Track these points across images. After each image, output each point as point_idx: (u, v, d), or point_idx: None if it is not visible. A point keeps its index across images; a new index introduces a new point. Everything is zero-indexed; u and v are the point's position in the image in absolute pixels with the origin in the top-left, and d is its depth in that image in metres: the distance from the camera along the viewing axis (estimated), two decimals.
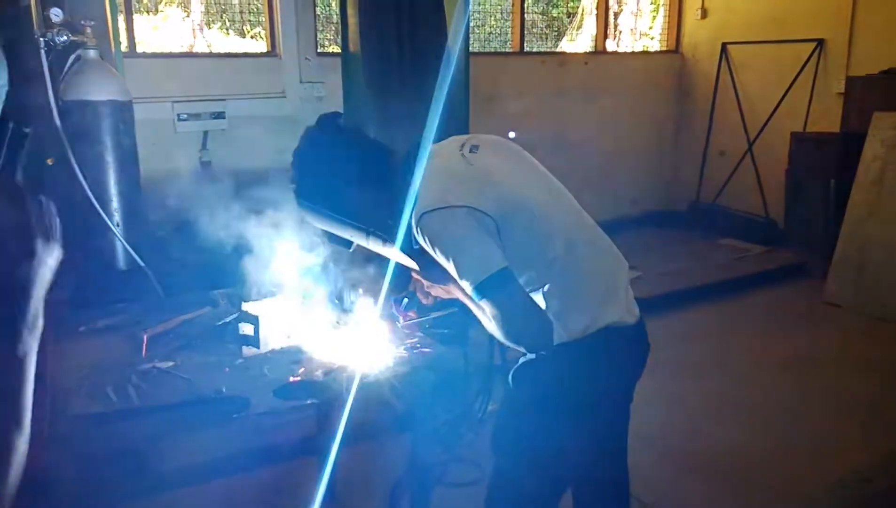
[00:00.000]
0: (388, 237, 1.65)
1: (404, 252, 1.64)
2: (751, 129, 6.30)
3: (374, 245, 1.70)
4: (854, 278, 4.87)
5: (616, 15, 6.88)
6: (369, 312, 2.00)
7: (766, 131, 6.17)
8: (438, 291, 1.74)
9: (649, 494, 2.69)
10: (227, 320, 2.19)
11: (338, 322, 2.08)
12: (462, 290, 1.57)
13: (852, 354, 4.19)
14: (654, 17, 7.04)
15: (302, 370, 1.89)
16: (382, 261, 1.78)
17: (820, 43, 5.78)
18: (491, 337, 1.63)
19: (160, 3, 4.97)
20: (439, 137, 1.74)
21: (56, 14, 2.65)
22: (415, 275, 1.78)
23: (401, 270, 1.77)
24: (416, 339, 2.05)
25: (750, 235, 6.16)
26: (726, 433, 3.32)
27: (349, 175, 1.64)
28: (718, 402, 3.61)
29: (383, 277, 1.79)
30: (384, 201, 1.63)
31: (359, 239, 1.71)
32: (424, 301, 1.84)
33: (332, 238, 1.75)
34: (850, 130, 5.18)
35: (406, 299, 1.90)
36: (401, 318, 1.94)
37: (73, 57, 2.77)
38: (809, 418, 3.47)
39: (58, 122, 2.66)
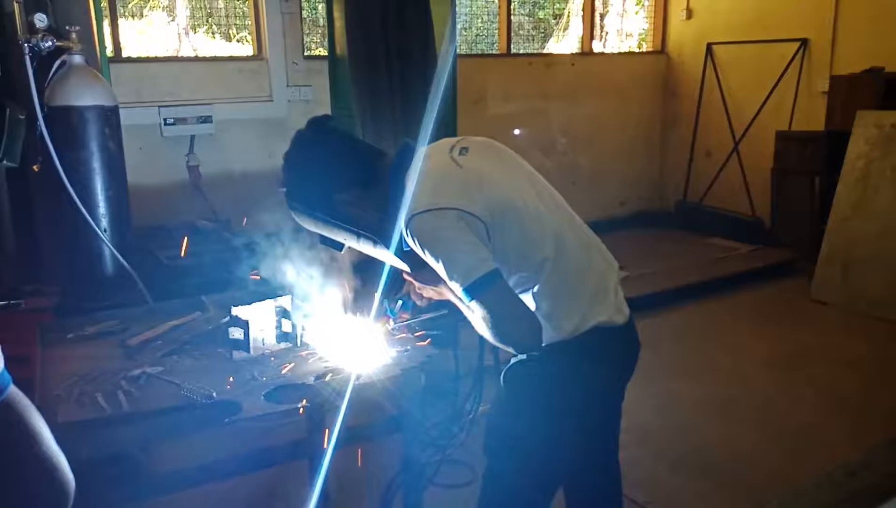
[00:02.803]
0: (379, 239, 1.65)
1: (395, 254, 1.64)
2: (736, 128, 6.35)
3: (365, 247, 1.70)
4: (840, 275, 4.92)
5: (602, 16, 6.91)
6: (364, 314, 2.00)
7: (751, 131, 6.22)
8: (430, 292, 1.75)
9: (641, 493, 2.70)
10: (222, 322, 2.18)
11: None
12: (452, 291, 1.57)
13: (838, 350, 4.23)
14: (638, 12, 7.08)
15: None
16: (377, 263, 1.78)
17: (804, 42, 5.83)
18: (481, 338, 1.64)
19: (145, 7, 4.94)
20: (428, 140, 1.74)
21: (40, 20, 2.63)
22: (406, 276, 1.79)
23: (395, 272, 1.77)
24: (407, 341, 2.05)
25: (737, 233, 6.21)
26: (715, 430, 3.35)
27: (340, 178, 1.64)
28: (707, 400, 3.63)
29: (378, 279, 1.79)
30: (375, 204, 1.64)
31: (350, 241, 1.71)
32: (419, 303, 1.84)
33: (324, 240, 1.75)
34: (835, 128, 5.23)
35: (400, 301, 1.90)
36: (392, 320, 1.93)
37: (58, 62, 2.75)
38: (797, 413, 3.50)
39: (43, 128, 2.64)
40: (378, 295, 1.86)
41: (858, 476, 2.93)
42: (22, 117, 2.63)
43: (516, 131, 5.26)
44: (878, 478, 2.92)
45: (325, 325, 2.07)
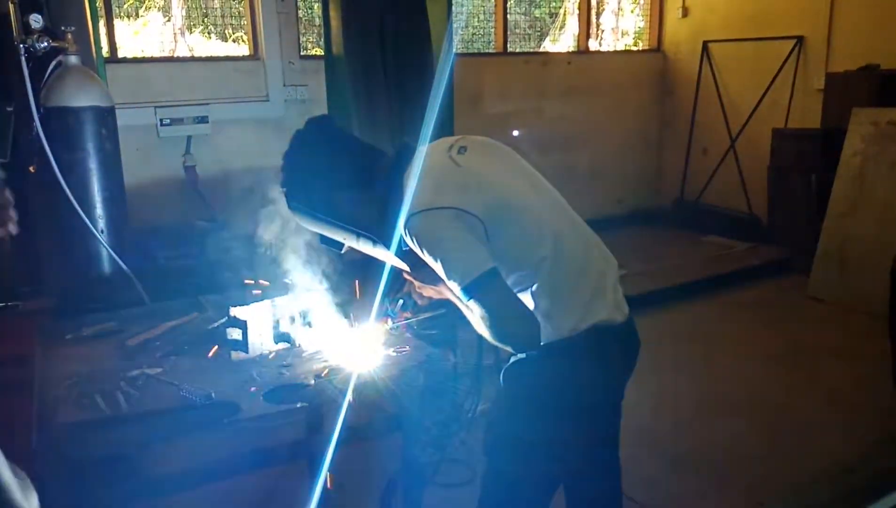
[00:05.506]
0: (378, 239, 1.65)
1: (394, 253, 1.64)
2: (733, 126, 6.37)
3: (365, 247, 1.70)
4: (837, 272, 4.93)
5: (598, 14, 6.92)
6: (364, 314, 2.00)
7: (747, 128, 6.23)
8: (429, 291, 1.75)
9: (640, 491, 2.70)
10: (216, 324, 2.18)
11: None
12: (451, 290, 1.57)
13: (836, 347, 4.24)
14: (634, 10, 7.09)
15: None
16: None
17: (799, 40, 5.85)
18: (480, 337, 1.64)
19: (141, 7, 4.93)
20: (427, 139, 1.74)
21: (36, 20, 2.62)
22: (406, 276, 1.79)
23: (394, 271, 1.77)
24: (406, 341, 2.05)
25: (734, 231, 6.22)
26: (714, 428, 3.36)
27: (339, 177, 1.65)
28: (705, 398, 3.64)
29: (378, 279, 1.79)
30: (374, 203, 1.64)
31: (350, 241, 1.71)
32: (419, 302, 1.84)
33: (324, 240, 1.75)
34: (831, 125, 5.25)
35: (400, 301, 1.90)
36: (391, 320, 1.94)
37: (53, 63, 2.74)
38: (794, 411, 3.51)
39: (39, 129, 2.63)
40: (379, 295, 1.86)
41: (857, 472, 2.95)
42: (10, 109, 2.60)
43: (515, 133, 5.27)
44: (876, 474, 2.94)
45: (323, 325, 2.08)
